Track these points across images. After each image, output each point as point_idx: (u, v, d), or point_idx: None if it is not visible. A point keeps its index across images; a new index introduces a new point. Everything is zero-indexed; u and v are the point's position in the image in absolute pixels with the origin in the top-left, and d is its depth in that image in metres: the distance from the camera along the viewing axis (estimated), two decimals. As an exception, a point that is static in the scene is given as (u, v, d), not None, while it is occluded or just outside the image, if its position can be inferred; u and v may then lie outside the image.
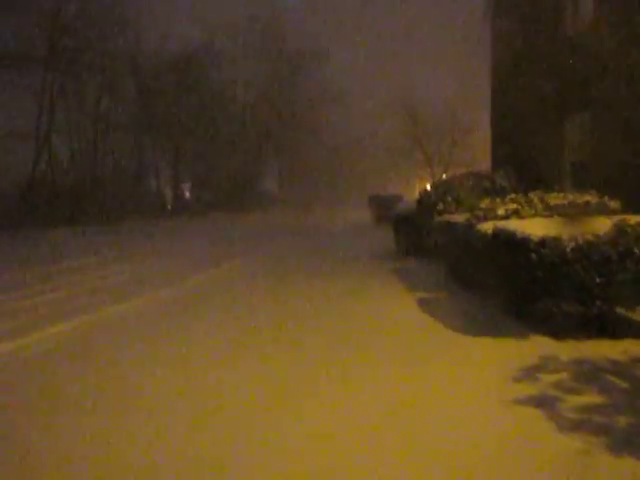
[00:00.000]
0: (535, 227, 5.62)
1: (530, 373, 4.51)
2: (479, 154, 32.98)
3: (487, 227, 6.31)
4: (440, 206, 10.22)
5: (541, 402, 3.85)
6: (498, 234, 5.91)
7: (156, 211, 35.28)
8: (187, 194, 48.11)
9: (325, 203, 52.22)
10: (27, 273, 11.03)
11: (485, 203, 7.47)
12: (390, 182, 50.75)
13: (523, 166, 11.02)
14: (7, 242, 18.74)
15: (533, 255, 5.23)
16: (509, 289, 5.92)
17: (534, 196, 7.13)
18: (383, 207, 27.54)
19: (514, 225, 5.86)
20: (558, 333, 5.45)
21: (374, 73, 70.63)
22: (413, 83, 56.18)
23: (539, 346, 5.24)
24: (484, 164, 26.59)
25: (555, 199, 6.90)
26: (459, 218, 8.22)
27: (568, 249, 5.16)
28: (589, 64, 9.20)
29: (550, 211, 6.71)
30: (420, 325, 6.20)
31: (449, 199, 10.39)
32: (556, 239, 5.21)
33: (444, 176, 35.81)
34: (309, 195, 54.16)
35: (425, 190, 12.30)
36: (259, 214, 40.62)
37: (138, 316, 6.97)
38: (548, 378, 4.35)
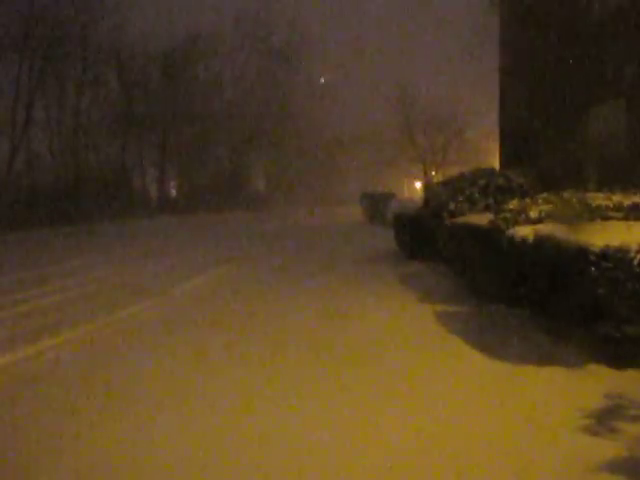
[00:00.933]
0: (587, 234, 4.69)
1: (603, 420, 3.58)
2: (475, 152, 32.25)
3: (525, 233, 5.37)
4: (451, 206, 9.29)
5: (640, 471, 2.93)
6: (542, 242, 4.99)
7: (141, 210, 34.06)
8: (173, 192, 46.92)
9: (314, 201, 51.14)
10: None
11: (514, 204, 6.53)
12: (380, 180, 49.78)
13: (538, 163, 10.12)
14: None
15: (593, 269, 4.30)
16: (557, 307, 4.99)
17: (571, 196, 6.21)
18: (375, 205, 26.80)
19: (561, 231, 4.94)
20: (618, 361, 4.53)
21: (367, 67, 69.00)
22: (408, 77, 55.24)
23: (599, 378, 4.31)
24: (481, 163, 25.84)
25: (597, 200, 5.99)
26: (479, 220, 7.29)
27: (635, 262, 4.25)
28: (625, 42, 8.26)
29: (592, 214, 5.79)
30: (447, 348, 5.26)
31: (460, 199, 9.46)
32: (621, 250, 4.28)
33: (433, 174, 34.99)
34: (297, 193, 53.08)
35: (432, 189, 11.35)
36: (245, 213, 39.51)
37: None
38: (630, 429, 3.42)
